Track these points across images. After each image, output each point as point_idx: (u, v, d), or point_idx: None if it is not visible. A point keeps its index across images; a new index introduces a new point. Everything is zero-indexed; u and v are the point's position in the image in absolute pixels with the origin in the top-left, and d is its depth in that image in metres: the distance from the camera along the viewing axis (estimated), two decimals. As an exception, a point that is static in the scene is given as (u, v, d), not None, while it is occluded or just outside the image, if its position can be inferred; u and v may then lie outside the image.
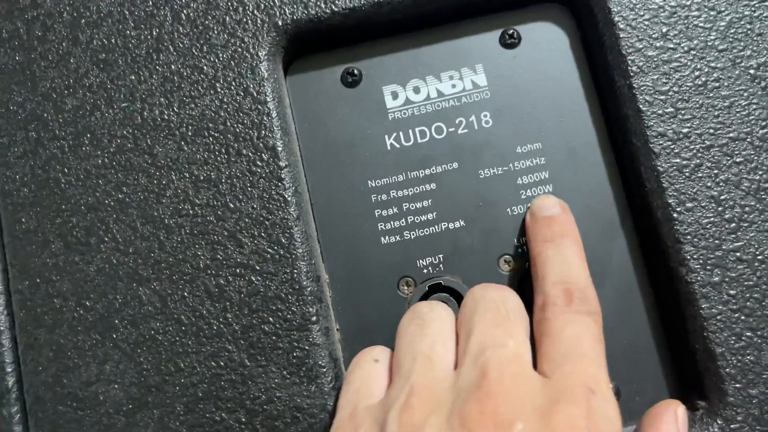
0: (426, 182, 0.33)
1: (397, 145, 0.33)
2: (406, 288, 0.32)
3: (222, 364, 0.30)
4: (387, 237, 0.32)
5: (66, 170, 0.32)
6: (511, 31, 0.34)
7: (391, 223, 0.33)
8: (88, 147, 0.32)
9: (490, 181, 0.33)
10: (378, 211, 0.33)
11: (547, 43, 0.34)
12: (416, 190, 0.33)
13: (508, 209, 0.32)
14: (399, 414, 0.24)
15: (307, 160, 0.33)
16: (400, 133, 0.33)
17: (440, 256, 0.32)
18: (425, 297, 0.32)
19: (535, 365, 0.26)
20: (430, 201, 0.33)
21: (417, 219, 0.33)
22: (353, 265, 0.32)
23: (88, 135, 0.32)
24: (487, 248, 0.32)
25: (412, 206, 0.33)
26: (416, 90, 0.34)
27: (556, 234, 0.30)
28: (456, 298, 0.32)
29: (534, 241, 0.30)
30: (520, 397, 0.24)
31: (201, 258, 0.30)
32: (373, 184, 0.33)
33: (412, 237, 0.32)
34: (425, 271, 0.32)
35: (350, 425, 0.26)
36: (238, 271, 0.30)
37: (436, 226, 0.33)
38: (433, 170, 0.33)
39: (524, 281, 0.32)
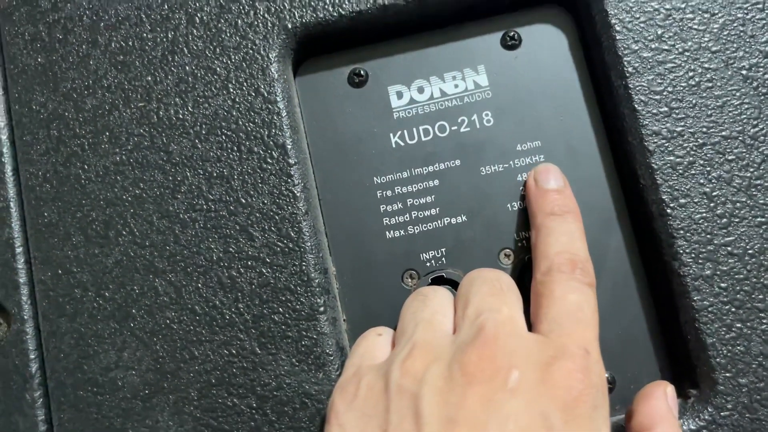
0: (429, 179, 0.34)
1: (402, 143, 0.35)
2: (410, 280, 0.33)
3: (234, 352, 0.31)
4: (392, 231, 0.34)
5: (86, 167, 0.33)
6: (512, 33, 0.35)
7: (396, 218, 0.34)
8: (107, 145, 0.33)
9: (491, 178, 0.34)
10: (383, 207, 0.34)
11: (547, 44, 0.35)
12: (420, 186, 0.34)
13: (509, 205, 0.34)
14: (401, 363, 0.26)
15: (315, 157, 0.35)
16: (405, 131, 0.35)
17: (443, 249, 0.34)
18: (428, 289, 0.33)
19: (529, 329, 0.28)
20: (433, 197, 0.34)
21: (421, 214, 0.34)
22: (359, 258, 0.34)
23: (107, 133, 0.33)
24: (489, 242, 0.33)
25: (416, 202, 0.34)
26: (420, 90, 0.35)
27: (562, 208, 0.31)
28: (457, 290, 0.33)
29: (540, 212, 0.31)
30: (516, 349, 0.25)
31: (214, 251, 0.32)
32: (379, 181, 0.34)
33: (416, 231, 0.34)
34: (428, 264, 0.34)
35: (354, 379, 0.27)
36: (249, 263, 0.32)
37: (439, 221, 0.34)
38: (436, 167, 0.34)
39: (524, 274, 0.33)
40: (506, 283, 0.29)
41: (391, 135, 0.35)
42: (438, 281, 0.33)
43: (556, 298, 0.28)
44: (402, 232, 0.34)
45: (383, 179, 0.34)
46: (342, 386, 0.27)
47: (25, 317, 0.32)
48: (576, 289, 0.28)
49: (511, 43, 0.35)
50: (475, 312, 0.27)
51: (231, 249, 0.32)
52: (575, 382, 0.24)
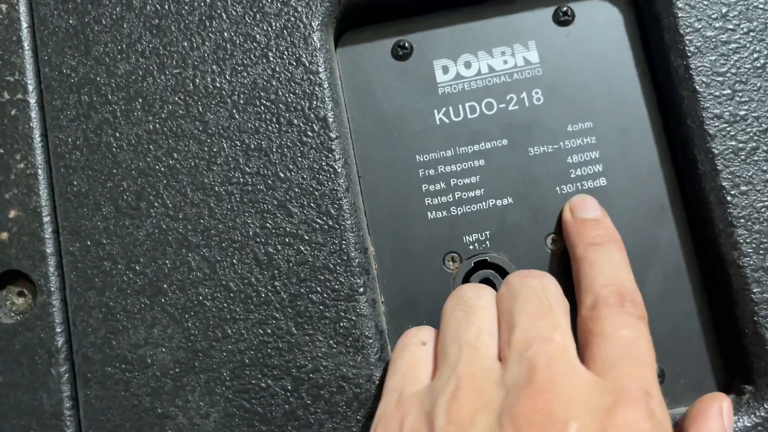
0: (474, 158, 0.33)
1: (447, 120, 0.33)
2: (451, 264, 0.32)
3: (269, 331, 0.30)
4: (434, 212, 0.32)
5: (118, 135, 0.32)
6: (565, 8, 0.33)
7: (438, 198, 0.33)
8: (140, 112, 0.32)
9: (540, 159, 0.32)
10: (425, 186, 0.33)
11: (601, 21, 0.33)
12: (464, 165, 0.33)
13: (557, 188, 0.32)
14: (447, 407, 0.24)
15: (355, 132, 0.33)
16: (450, 108, 0.33)
17: (487, 232, 0.32)
18: (470, 273, 0.32)
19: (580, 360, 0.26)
20: (478, 177, 0.33)
21: (464, 195, 0.32)
22: (399, 238, 0.32)
23: (140, 100, 0.32)
24: (535, 226, 0.32)
25: (460, 182, 0.33)
26: (467, 65, 0.33)
27: (602, 237, 0.29)
28: (502, 275, 0.32)
29: (580, 243, 0.30)
30: (572, 395, 0.23)
31: (250, 226, 0.31)
32: (421, 159, 0.33)
33: (459, 213, 0.32)
34: (471, 247, 0.32)
35: (397, 413, 0.26)
36: (287, 240, 0.30)
37: (484, 203, 0.32)
38: (482, 146, 0.33)
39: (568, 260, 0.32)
40: (554, 296, 0.27)
41: (436, 111, 0.33)
42: (481, 265, 0.32)
43: (607, 335, 0.25)
44: (444, 213, 0.32)
45: (426, 157, 0.33)
46: (385, 420, 0.26)
47: (52, 289, 0.31)
48: (628, 323, 0.26)
49: (563, 19, 0.33)
50: (524, 341, 0.25)
51: (268, 224, 0.31)
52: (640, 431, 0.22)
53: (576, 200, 0.31)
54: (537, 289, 0.27)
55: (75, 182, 0.31)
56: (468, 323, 0.27)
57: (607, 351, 0.25)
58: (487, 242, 0.32)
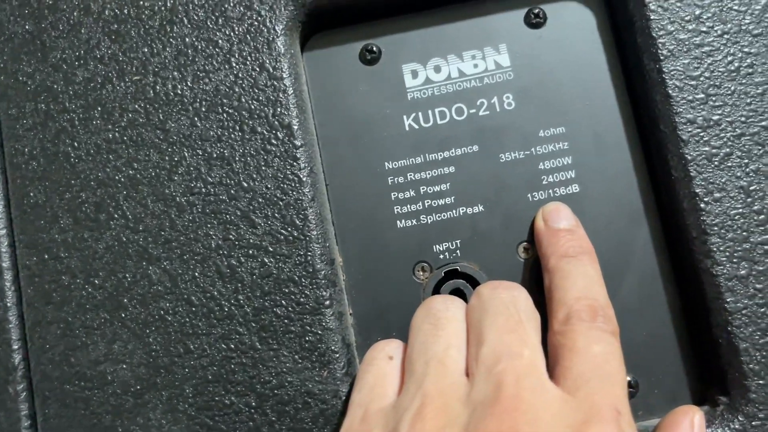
0: (445, 165, 0.32)
1: (416, 126, 0.32)
2: (421, 273, 0.31)
3: (232, 346, 0.29)
4: (403, 221, 0.32)
5: (76, 144, 0.31)
6: (537, 10, 0.33)
7: (408, 206, 0.32)
8: (99, 121, 0.31)
9: (511, 166, 0.32)
10: (394, 194, 0.32)
11: (573, 23, 0.33)
12: (434, 173, 0.32)
13: (529, 195, 0.31)
14: (411, 424, 0.23)
15: (322, 139, 0.32)
16: (419, 113, 0.32)
17: (457, 241, 0.31)
18: (441, 283, 0.31)
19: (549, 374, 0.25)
20: (448, 184, 0.32)
21: (434, 203, 0.32)
22: (368, 248, 0.32)
23: (99, 108, 0.31)
24: (506, 235, 0.31)
25: (430, 189, 0.32)
26: (437, 69, 0.33)
27: (576, 249, 0.29)
28: (473, 285, 0.31)
29: (552, 254, 0.29)
30: (540, 413, 0.23)
31: (213, 237, 0.30)
32: (390, 166, 0.32)
33: (429, 221, 0.32)
34: (441, 256, 0.31)
35: (361, 430, 0.25)
36: (250, 252, 0.30)
37: (454, 211, 0.32)
38: (452, 153, 0.32)
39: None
40: (524, 309, 0.27)
41: (405, 117, 0.32)
42: (452, 275, 0.31)
43: (579, 350, 0.25)
44: (414, 222, 0.32)
45: (395, 164, 0.32)
46: None
47: (9, 304, 0.30)
48: (600, 339, 0.25)
49: (535, 21, 0.33)
50: (492, 357, 0.24)
51: (231, 236, 0.30)
52: None
53: (549, 208, 0.31)
54: (507, 302, 0.27)
55: (32, 193, 0.30)
56: (436, 337, 0.27)
57: (579, 367, 0.24)
58: (458, 251, 0.31)
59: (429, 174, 0.32)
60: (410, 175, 0.32)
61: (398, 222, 0.32)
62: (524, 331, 0.26)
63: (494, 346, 0.25)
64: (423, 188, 0.32)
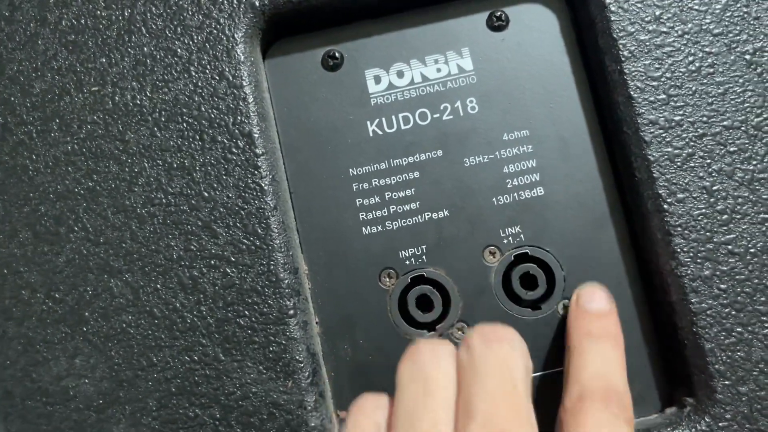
0: (409, 170, 0.32)
1: (380, 132, 0.32)
2: (387, 280, 0.31)
3: (196, 358, 0.29)
4: (368, 227, 0.31)
5: (34, 157, 0.30)
6: (499, 13, 0.32)
7: (373, 212, 0.31)
8: (57, 133, 0.30)
9: (476, 170, 0.32)
10: (359, 200, 0.32)
11: (536, 25, 0.33)
12: (399, 178, 0.32)
13: (494, 199, 0.31)
14: None
15: (285, 147, 0.32)
16: (383, 119, 0.32)
17: (423, 246, 0.31)
18: (408, 290, 0.31)
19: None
20: (413, 190, 0.32)
21: (399, 208, 0.31)
22: (333, 256, 0.31)
23: (57, 120, 0.31)
24: (472, 239, 0.31)
25: (395, 195, 0.32)
26: (400, 74, 0.32)
27: (600, 330, 0.28)
28: (439, 290, 0.31)
29: (575, 332, 0.28)
30: None
31: (174, 249, 0.29)
32: (355, 172, 0.32)
33: (395, 227, 0.31)
34: (408, 262, 0.31)
35: None
36: (212, 262, 0.29)
37: (420, 216, 0.31)
38: (416, 158, 0.32)
39: (509, 272, 0.31)
40: (518, 367, 0.25)
41: (368, 123, 0.32)
42: (418, 281, 0.31)
43: None
44: (379, 228, 0.31)
45: (359, 171, 0.32)
46: None
47: (-32, 321, 0.29)
48: (611, 425, 0.24)
49: (497, 24, 0.32)
50: None
51: (192, 247, 0.29)
52: None
53: (584, 289, 0.29)
54: (500, 360, 0.25)
55: (-10, 208, 0.30)
56: (424, 408, 0.25)
57: None
58: (424, 257, 0.31)
59: (394, 180, 0.32)
60: (375, 181, 0.32)
61: (363, 228, 0.31)
62: (518, 398, 0.24)
63: (484, 423, 0.24)
64: (388, 194, 0.32)
